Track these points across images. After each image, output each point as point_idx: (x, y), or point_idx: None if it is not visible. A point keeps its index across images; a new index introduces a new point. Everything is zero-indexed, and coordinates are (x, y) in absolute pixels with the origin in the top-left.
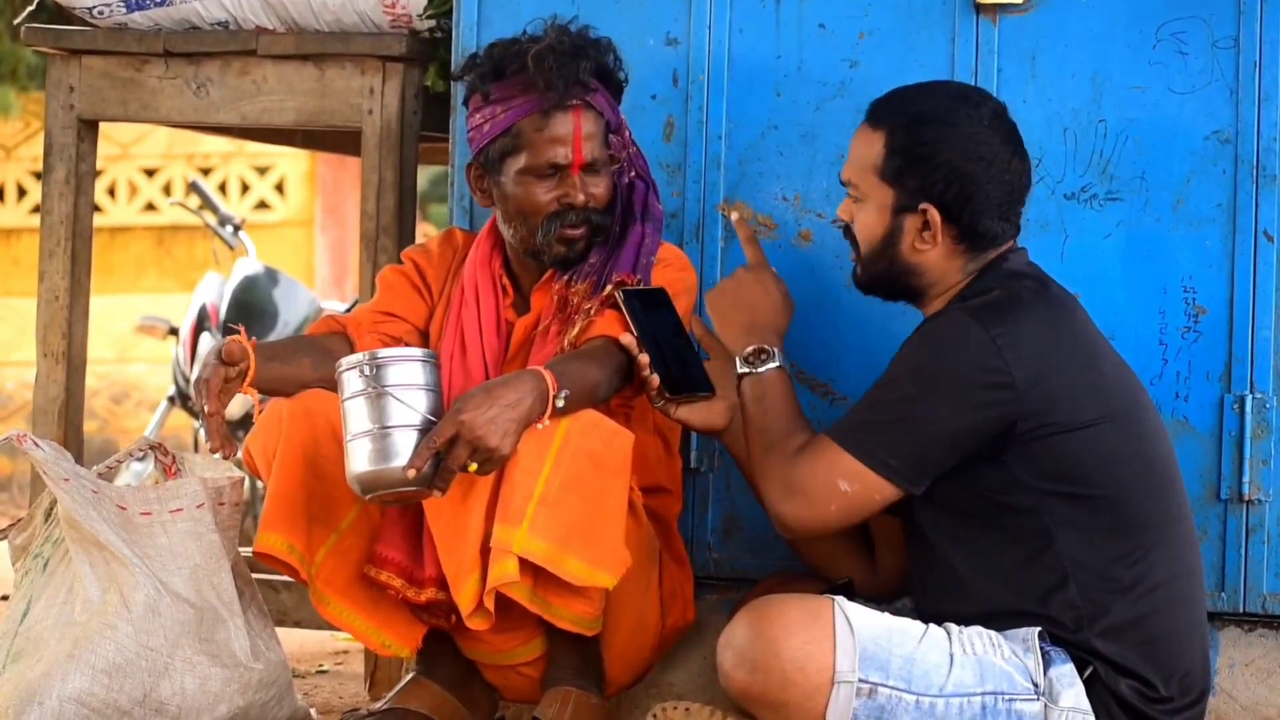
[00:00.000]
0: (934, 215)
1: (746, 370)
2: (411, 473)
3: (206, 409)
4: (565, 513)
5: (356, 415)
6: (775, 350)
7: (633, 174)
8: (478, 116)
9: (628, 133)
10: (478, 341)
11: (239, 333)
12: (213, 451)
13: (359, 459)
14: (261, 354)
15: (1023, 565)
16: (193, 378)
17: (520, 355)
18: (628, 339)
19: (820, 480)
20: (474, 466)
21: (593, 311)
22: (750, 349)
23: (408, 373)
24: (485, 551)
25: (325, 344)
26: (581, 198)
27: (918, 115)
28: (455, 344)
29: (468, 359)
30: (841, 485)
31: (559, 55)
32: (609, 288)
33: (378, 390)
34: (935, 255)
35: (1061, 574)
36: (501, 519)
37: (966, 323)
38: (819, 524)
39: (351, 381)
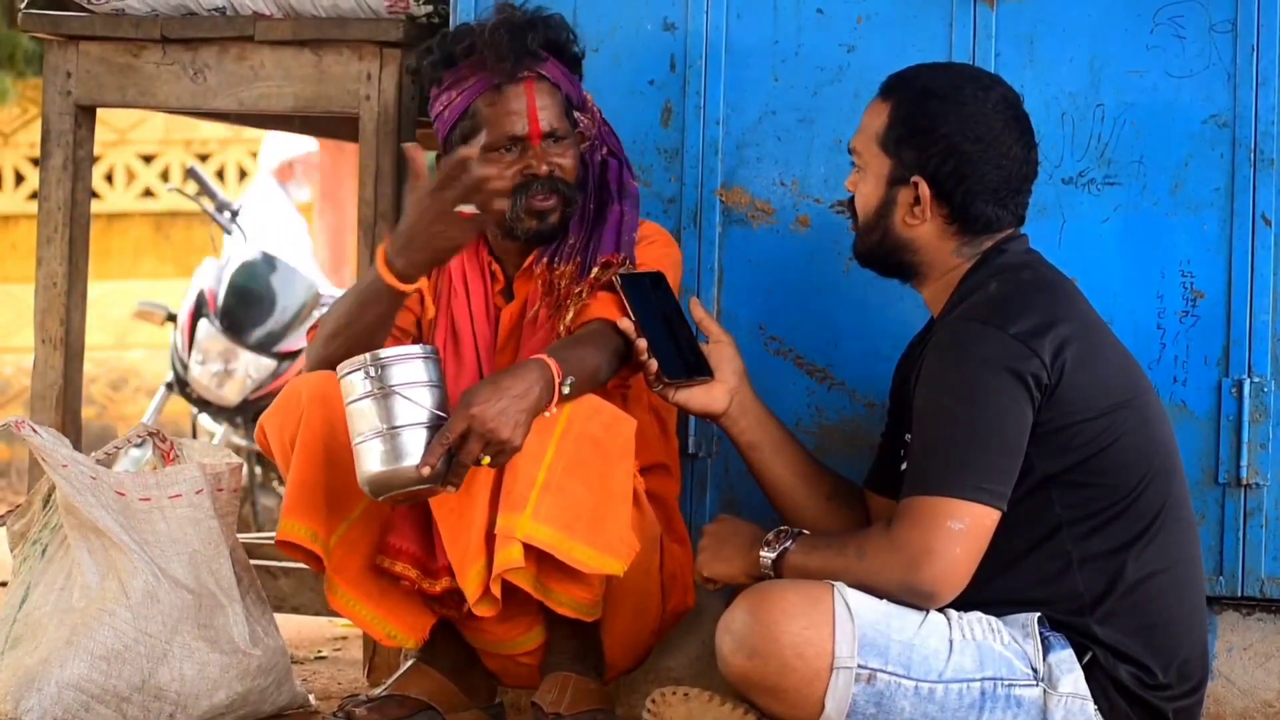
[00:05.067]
0: (924, 190)
1: (777, 555)
2: (425, 470)
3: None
4: (569, 498)
5: (363, 417)
6: (772, 540)
7: (604, 151)
8: (438, 105)
9: (596, 110)
10: (469, 330)
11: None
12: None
13: (370, 460)
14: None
15: (1027, 552)
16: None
17: (510, 344)
18: (625, 324)
19: (931, 531)
20: (486, 460)
21: (585, 295)
22: (762, 554)
23: (412, 370)
24: (490, 539)
25: None
26: (545, 168)
27: (925, 89)
28: (447, 333)
29: (460, 348)
30: (953, 525)
31: (503, 30)
32: (595, 269)
33: (384, 390)
34: (926, 233)
35: (1066, 561)
36: (505, 506)
37: (976, 329)
38: (956, 573)
39: (356, 384)
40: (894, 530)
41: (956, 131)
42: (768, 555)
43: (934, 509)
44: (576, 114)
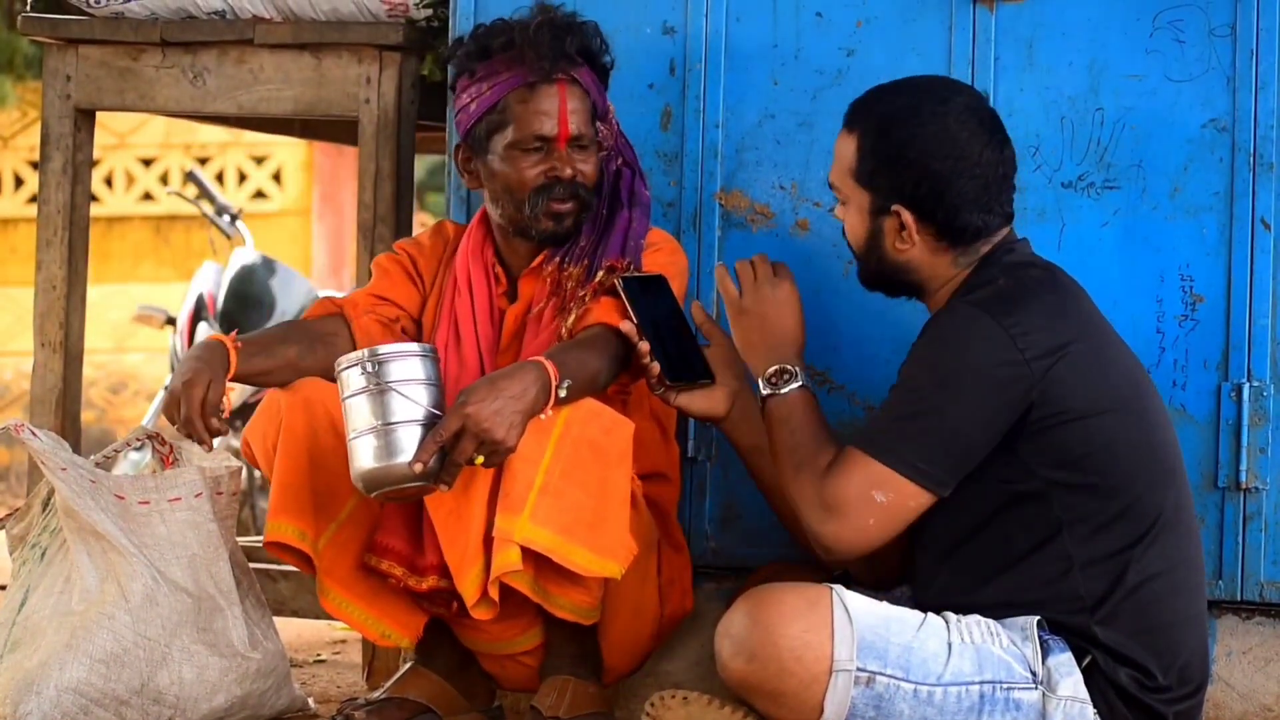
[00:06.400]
0: (907, 216)
1: (770, 392)
2: (418, 467)
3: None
4: (567, 501)
5: (359, 412)
6: (797, 370)
7: (620, 161)
8: (465, 96)
9: (615, 122)
10: (471, 331)
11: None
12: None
13: (364, 456)
14: (245, 350)
15: (1028, 554)
16: (167, 384)
17: (513, 344)
18: (627, 327)
19: (855, 493)
20: (480, 460)
21: (588, 299)
22: (771, 370)
23: (409, 368)
24: (488, 541)
25: (318, 328)
26: (569, 171)
27: (884, 116)
28: (450, 334)
29: (462, 349)
30: (876, 496)
31: (545, 30)
32: (600, 273)
33: (380, 386)
34: (918, 253)
35: (1066, 563)
36: (503, 508)
37: (976, 315)
38: (861, 540)
39: (353, 379)
40: (829, 474)
41: (924, 154)
42: (766, 390)
43: (866, 470)
44: (599, 123)
